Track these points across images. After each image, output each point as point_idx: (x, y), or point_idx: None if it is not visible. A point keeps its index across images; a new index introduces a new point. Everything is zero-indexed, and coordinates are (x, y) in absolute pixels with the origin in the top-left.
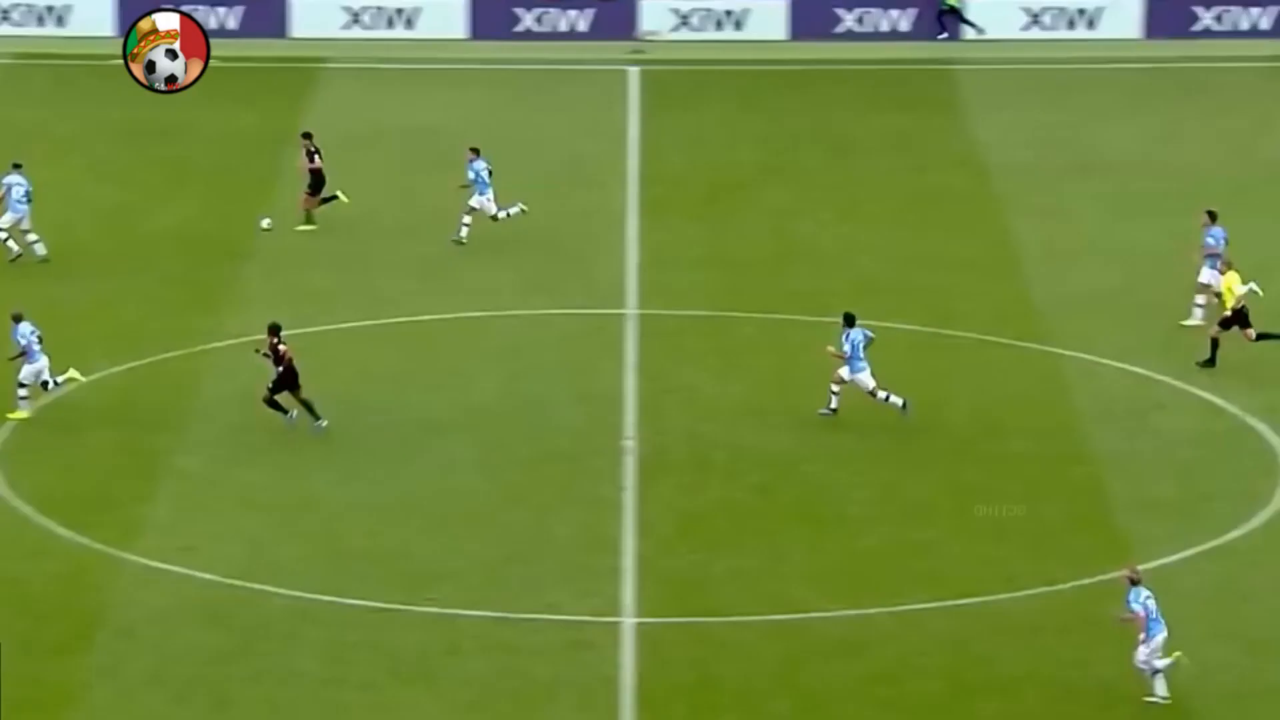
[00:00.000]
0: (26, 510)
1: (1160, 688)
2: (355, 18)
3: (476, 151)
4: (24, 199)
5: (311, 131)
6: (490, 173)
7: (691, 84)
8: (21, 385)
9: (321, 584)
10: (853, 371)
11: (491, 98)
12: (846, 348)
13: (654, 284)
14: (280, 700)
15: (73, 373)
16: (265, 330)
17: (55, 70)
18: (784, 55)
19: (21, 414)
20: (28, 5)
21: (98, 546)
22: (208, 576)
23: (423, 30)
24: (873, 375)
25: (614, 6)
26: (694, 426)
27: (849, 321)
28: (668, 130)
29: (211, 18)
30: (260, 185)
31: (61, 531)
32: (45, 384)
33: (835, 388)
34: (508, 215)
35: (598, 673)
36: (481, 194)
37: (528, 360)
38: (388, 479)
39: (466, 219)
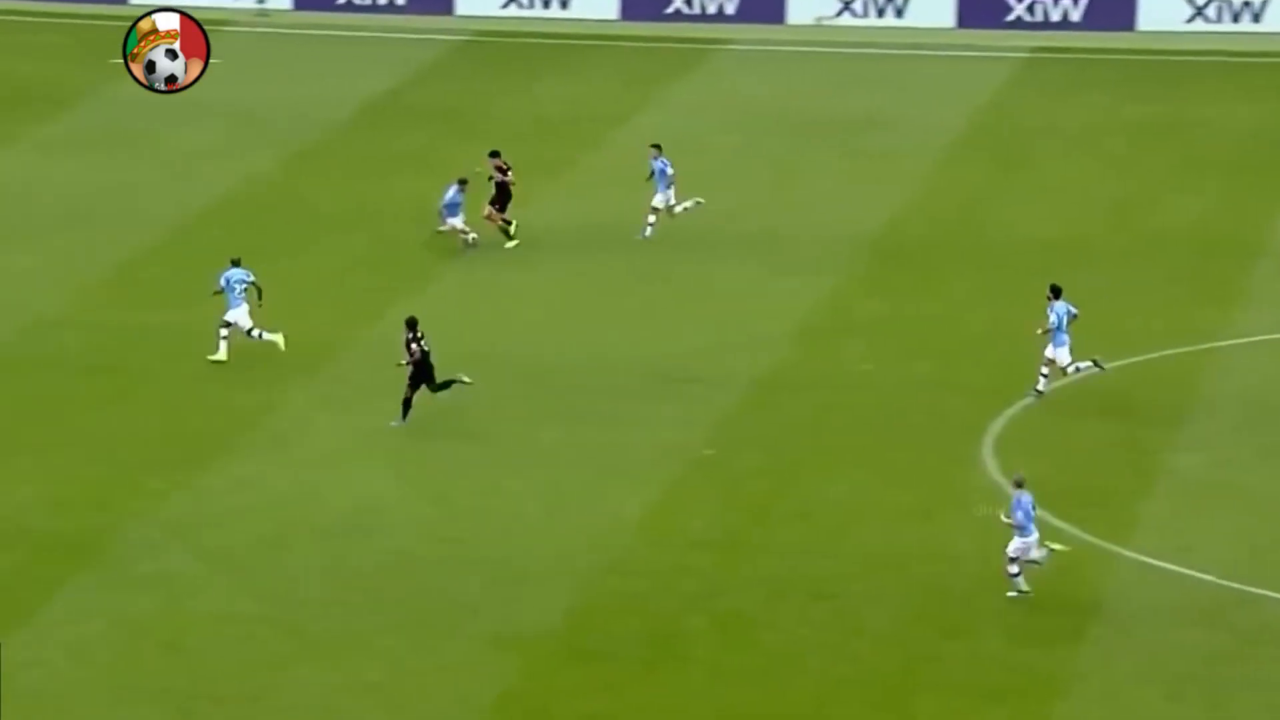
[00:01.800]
0: None
1: (1022, 583)
2: None
3: (659, 149)
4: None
5: (499, 150)
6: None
7: None
8: (225, 325)
9: None
10: (1055, 345)
11: None
12: (1052, 319)
13: None
14: None
15: (278, 338)
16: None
17: (1070, 64)
18: None
19: (219, 356)
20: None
21: (1092, 540)
22: (1205, 577)
23: None
24: (1070, 351)
25: None
26: None
27: (1055, 293)
28: None
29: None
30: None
31: (1055, 522)
32: (250, 331)
33: (1045, 370)
34: (684, 209)
35: None
36: (662, 190)
37: None
38: None
39: (651, 218)
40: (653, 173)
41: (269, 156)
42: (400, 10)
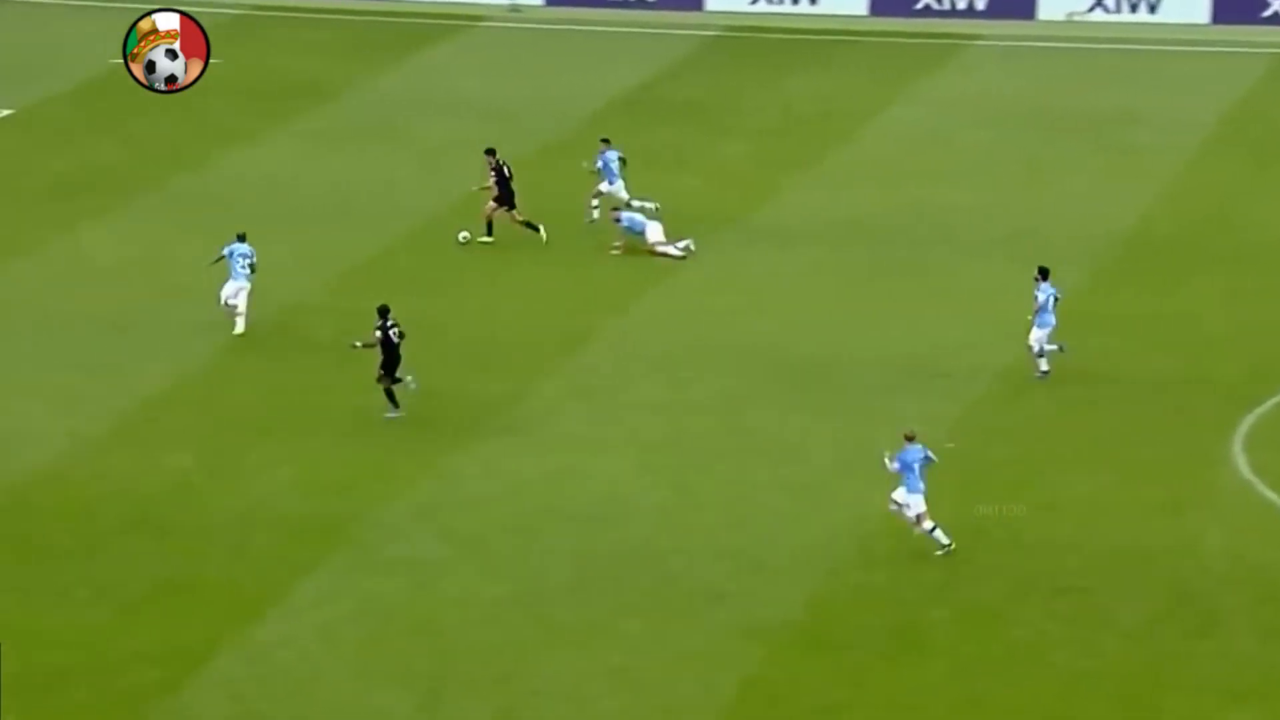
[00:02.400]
0: (1271, 497)
1: (941, 536)
2: None
3: (607, 142)
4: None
5: (494, 148)
6: (622, 162)
7: None
8: (228, 304)
9: None
10: (1039, 326)
11: None
12: (1041, 298)
13: None
14: None
15: (240, 324)
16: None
17: None
18: None
19: (237, 331)
20: None
21: None
22: None
23: None
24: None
25: None
26: None
27: (1043, 275)
28: None
29: None
30: None
31: None
32: (225, 302)
33: (1039, 350)
34: (641, 206)
35: None
36: (611, 183)
37: None
38: None
39: (594, 202)
40: (600, 165)
41: (520, 149)
42: (650, 6)
